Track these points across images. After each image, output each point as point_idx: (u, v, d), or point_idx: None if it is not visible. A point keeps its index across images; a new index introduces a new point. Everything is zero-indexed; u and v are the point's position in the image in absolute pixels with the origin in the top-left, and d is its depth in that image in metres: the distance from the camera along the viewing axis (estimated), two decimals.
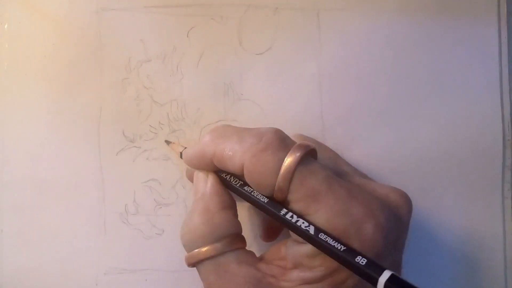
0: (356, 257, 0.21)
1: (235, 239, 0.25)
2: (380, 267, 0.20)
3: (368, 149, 0.32)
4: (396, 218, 0.23)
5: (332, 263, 0.22)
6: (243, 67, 0.33)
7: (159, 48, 0.32)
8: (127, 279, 0.32)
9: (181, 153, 0.28)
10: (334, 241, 0.21)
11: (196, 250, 0.24)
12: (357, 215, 0.22)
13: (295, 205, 0.23)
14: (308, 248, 0.23)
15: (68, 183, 0.32)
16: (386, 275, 0.20)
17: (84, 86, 0.32)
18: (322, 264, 0.22)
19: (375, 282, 0.20)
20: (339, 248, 0.21)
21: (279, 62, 0.33)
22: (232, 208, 0.26)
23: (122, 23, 0.32)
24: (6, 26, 0.32)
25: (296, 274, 0.23)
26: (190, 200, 0.32)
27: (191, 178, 0.29)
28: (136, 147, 0.32)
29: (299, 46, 0.32)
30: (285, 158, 0.22)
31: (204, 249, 0.24)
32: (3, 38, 0.32)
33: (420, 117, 0.33)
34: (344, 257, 0.21)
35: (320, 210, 0.22)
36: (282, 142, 0.23)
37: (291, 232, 0.24)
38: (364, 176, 0.28)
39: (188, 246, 0.24)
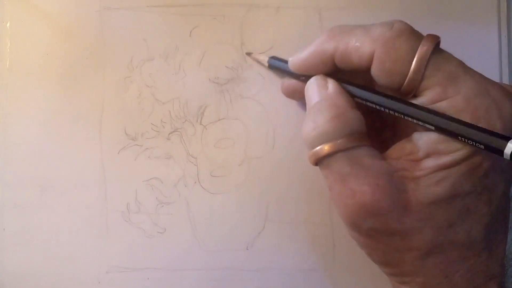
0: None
1: (365, 136, 0.24)
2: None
3: None
4: None
5: (471, 146, 0.22)
6: (245, 66, 0.33)
7: (161, 47, 0.33)
8: (129, 277, 0.31)
9: (269, 63, 0.27)
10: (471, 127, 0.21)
11: (329, 143, 0.23)
12: (496, 95, 0.22)
13: (430, 92, 0.23)
14: None
15: (70, 182, 0.32)
16: None
17: (86, 85, 0.32)
18: (462, 147, 0.22)
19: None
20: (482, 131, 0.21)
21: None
22: (358, 108, 0.25)
23: (125, 22, 0.33)
24: (8, 25, 0.32)
25: (431, 162, 0.23)
26: (192, 198, 0.32)
27: (288, 91, 0.29)
28: (138, 145, 0.32)
29: (301, 45, 0.32)
30: (420, 44, 0.22)
31: (338, 141, 0.23)
32: (5, 37, 0.32)
33: None
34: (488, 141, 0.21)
35: (460, 91, 0.22)
36: (414, 30, 0.23)
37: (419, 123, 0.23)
38: None
39: (318, 140, 0.24)
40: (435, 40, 0.23)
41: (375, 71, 0.23)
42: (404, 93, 0.24)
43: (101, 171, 0.32)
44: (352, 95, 0.25)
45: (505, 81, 0.33)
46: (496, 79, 0.33)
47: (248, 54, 0.31)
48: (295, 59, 0.27)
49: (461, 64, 0.23)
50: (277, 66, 0.30)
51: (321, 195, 0.32)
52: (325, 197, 0.32)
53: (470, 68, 0.23)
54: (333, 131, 0.24)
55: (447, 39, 0.33)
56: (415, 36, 0.23)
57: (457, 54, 0.33)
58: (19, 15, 0.32)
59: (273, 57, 0.30)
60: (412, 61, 0.22)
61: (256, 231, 0.32)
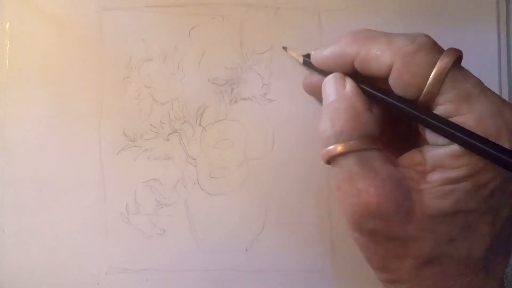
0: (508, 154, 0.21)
1: (378, 139, 0.25)
2: None
3: None
4: None
5: (477, 163, 0.22)
6: (244, 67, 0.33)
7: (160, 47, 0.32)
8: (128, 278, 0.31)
9: (303, 59, 0.28)
10: (486, 141, 0.22)
11: (342, 143, 0.24)
12: (510, 117, 0.22)
13: (443, 107, 0.23)
14: (451, 148, 0.23)
15: (69, 183, 0.32)
16: None
17: (85, 85, 0.32)
18: (466, 164, 0.22)
19: None
20: (491, 146, 0.21)
21: (280, 62, 0.33)
22: (374, 110, 0.26)
23: (124, 22, 0.32)
24: (7, 25, 0.32)
25: (437, 175, 0.23)
26: (191, 200, 0.32)
27: (309, 87, 0.30)
28: (137, 146, 0.32)
29: (300, 46, 0.33)
30: (439, 60, 0.23)
31: (351, 142, 0.24)
32: (4, 37, 0.32)
33: None
34: (495, 154, 0.21)
35: (473, 110, 0.22)
36: (435, 45, 0.24)
37: (429, 137, 0.24)
38: None
39: (333, 139, 0.24)
40: (455, 55, 0.23)
41: (392, 82, 0.24)
42: (419, 105, 0.24)
43: (100, 172, 0.32)
44: (368, 96, 0.26)
45: (504, 81, 0.33)
46: (495, 79, 0.33)
47: (284, 48, 0.31)
48: (317, 55, 0.27)
49: (479, 83, 0.23)
50: (309, 63, 0.30)
51: (320, 196, 0.32)
52: (324, 198, 0.32)
53: (487, 88, 0.23)
54: (347, 132, 0.24)
55: (446, 39, 0.33)
56: (435, 50, 0.23)
57: None
58: (18, 16, 0.32)
59: (307, 55, 0.30)
60: (430, 75, 0.23)
61: (256, 232, 0.32)
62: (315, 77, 0.29)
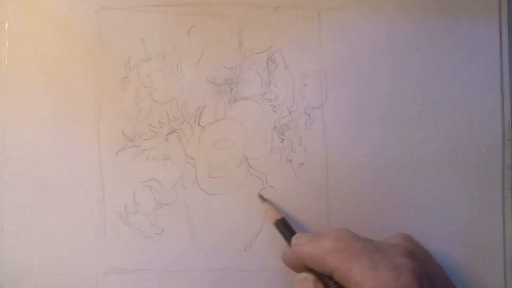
0: None
1: None
2: None
3: (368, 147, 0.32)
4: None
5: None
6: (243, 66, 0.32)
7: (159, 47, 0.32)
8: (127, 279, 0.31)
9: (276, 223, 0.29)
10: None
11: None
12: None
13: None
14: None
15: (68, 183, 0.32)
16: None
17: (84, 85, 0.32)
18: None
19: None
20: None
21: (279, 61, 0.32)
22: None
23: (122, 22, 0.32)
24: (6, 25, 0.32)
25: None
26: (190, 200, 0.32)
27: (289, 263, 0.29)
28: (135, 146, 0.32)
29: (299, 45, 0.32)
30: None
31: None
32: (3, 37, 0.32)
33: (421, 116, 0.33)
34: None
35: None
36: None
37: None
38: None
39: None
40: None
41: None
42: None
43: (99, 172, 0.32)
44: None
45: (506, 80, 0.33)
46: (496, 78, 0.33)
47: (261, 197, 0.31)
48: (301, 249, 0.27)
49: None
50: (281, 231, 0.30)
51: (318, 196, 0.32)
52: (323, 199, 0.32)
53: None
54: None
55: (448, 39, 0.33)
56: None
57: (457, 53, 0.33)
58: (18, 16, 0.32)
59: (282, 220, 0.30)
60: None
61: (255, 232, 0.32)
62: (294, 257, 0.28)
